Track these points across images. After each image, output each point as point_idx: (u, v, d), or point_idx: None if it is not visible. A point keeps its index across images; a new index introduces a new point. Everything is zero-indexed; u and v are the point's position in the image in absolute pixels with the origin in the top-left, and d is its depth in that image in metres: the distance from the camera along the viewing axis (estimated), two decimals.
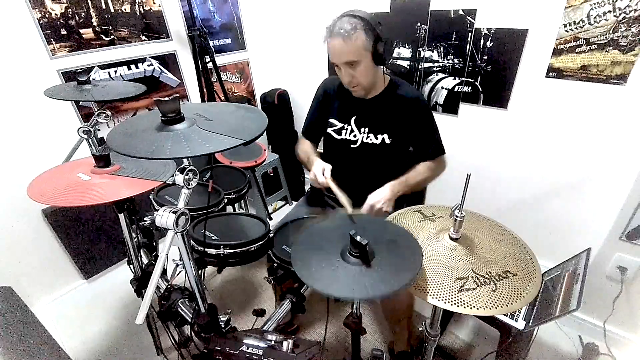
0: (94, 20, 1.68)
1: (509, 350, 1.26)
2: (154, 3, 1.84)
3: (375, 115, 1.26)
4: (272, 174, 2.49)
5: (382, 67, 1.21)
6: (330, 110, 1.35)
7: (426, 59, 1.70)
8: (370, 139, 1.27)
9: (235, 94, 2.41)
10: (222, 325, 0.89)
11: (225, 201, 1.34)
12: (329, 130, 1.35)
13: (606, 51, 1.23)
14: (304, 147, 1.39)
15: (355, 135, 1.29)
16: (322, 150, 1.44)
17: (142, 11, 1.81)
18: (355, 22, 1.07)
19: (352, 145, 1.31)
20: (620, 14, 1.16)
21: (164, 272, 0.98)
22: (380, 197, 1.14)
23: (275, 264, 1.10)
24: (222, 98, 2.05)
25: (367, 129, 1.27)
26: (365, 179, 1.25)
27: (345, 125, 1.31)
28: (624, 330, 1.47)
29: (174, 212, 0.67)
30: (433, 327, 0.92)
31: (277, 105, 2.43)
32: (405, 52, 1.76)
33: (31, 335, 1.31)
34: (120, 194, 0.81)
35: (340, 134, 1.33)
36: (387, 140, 1.25)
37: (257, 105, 2.56)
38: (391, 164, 1.28)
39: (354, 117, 1.29)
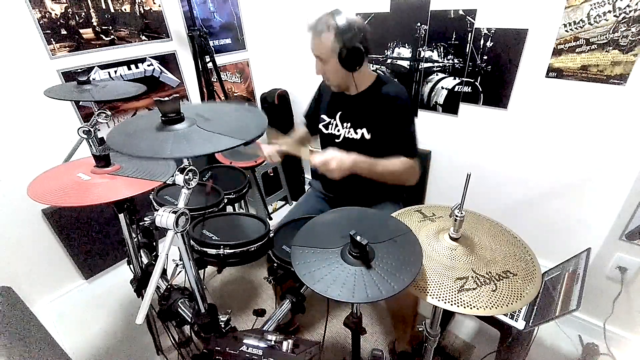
0: (94, 20, 1.68)
1: (509, 350, 1.26)
2: (154, 3, 1.84)
3: (358, 111, 1.28)
4: (272, 174, 2.49)
5: (367, 65, 1.23)
6: (322, 106, 1.42)
7: (426, 59, 1.69)
8: (351, 134, 1.30)
9: (235, 94, 2.41)
10: (222, 325, 0.89)
11: (225, 201, 1.34)
12: (320, 125, 1.41)
13: (606, 51, 1.23)
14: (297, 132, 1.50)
15: (339, 130, 1.34)
16: (313, 148, 1.48)
17: (142, 11, 1.81)
18: (331, 24, 1.10)
19: (336, 140, 1.35)
20: (620, 14, 1.16)
21: (164, 272, 0.98)
22: (339, 159, 1.10)
23: (275, 264, 1.10)
24: (222, 98, 2.05)
25: (349, 124, 1.31)
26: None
27: (332, 120, 1.36)
28: (624, 330, 1.47)
29: (174, 212, 0.67)
30: (433, 327, 0.93)
31: (277, 105, 2.43)
32: (405, 52, 1.75)
33: (31, 335, 1.31)
34: (120, 194, 0.81)
35: (327, 129, 1.38)
36: (367, 136, 1.26)
37: (257, 105, 2.56)
38: None
39: (339, 113, 1.33)
